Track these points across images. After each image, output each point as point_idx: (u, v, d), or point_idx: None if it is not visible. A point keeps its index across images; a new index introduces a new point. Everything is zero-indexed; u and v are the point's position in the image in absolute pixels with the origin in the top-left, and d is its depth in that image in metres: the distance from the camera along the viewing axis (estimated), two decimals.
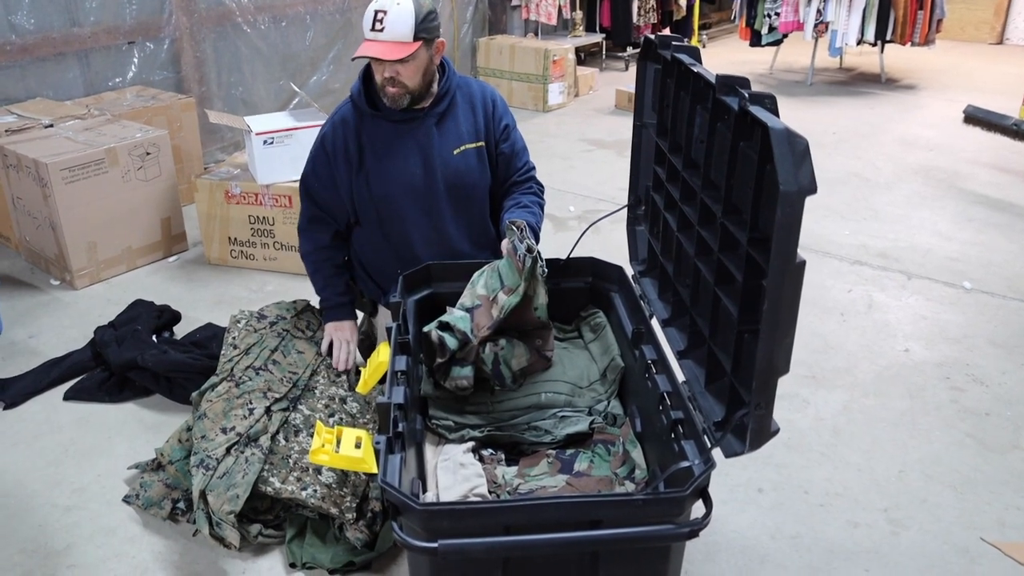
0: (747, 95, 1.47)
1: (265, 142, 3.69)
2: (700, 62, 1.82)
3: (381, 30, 2.25)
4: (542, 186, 2.66)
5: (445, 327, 2.09)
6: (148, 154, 3.91)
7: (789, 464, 2.65)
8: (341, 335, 2.65)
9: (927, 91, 7.50)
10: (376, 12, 2.26)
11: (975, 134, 5.51)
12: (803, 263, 1.36)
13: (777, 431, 1.55)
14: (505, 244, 2.20)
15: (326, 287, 2.67)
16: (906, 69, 8.25)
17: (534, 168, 2.66)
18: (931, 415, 2.92)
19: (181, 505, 2.37)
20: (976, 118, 5.31)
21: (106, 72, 4.79)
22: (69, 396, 2.98)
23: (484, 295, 2.11)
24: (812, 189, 1.29)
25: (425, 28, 2.29)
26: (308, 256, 2.68)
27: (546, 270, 2.07)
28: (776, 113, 1.43)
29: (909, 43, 7.27)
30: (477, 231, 2.60)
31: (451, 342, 2.07)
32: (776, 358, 1.43)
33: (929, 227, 4.53)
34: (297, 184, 3.74)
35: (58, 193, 3.60)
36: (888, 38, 7.21)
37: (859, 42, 7.21)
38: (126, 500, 2.45)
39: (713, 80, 1.64)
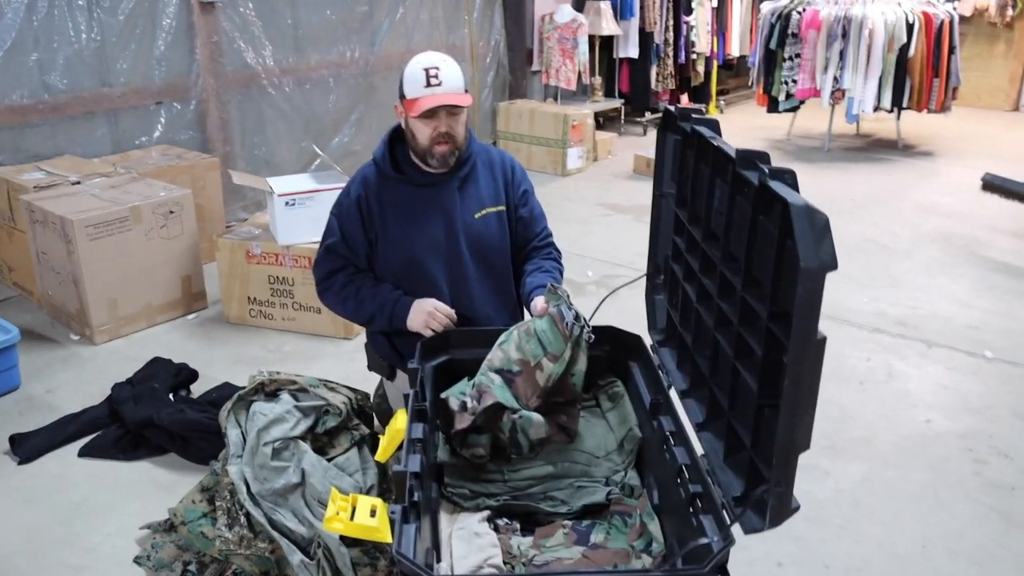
0: (767, 170, 1.48)
1: (287, 203, 3.74)
2: (720, 135, 1.83)
3: (439, 84, 2.32)
4: (560, 252, 2.67)
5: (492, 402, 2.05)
6: (171, 212, 3.96)
7: (808, 537, 2.60)
8: (424, 305, 2.44)
9: (944, 157, 7.53)
10: (428, 69, 2.33)
11: (993, 201, 5.51)
12: (824, 339, 1.35)
13: (798, 508, 1.52)
14: (539, 304, 2.20)
15: (377, 292, 2.50)
16: (923, 135, 8.29)
17: (552, 235, 2.68)
18: (954, 488, 2.87)
19: (192, 568, 2.35)
20: (994, 185, 5.30)
21: (133, 131, 4.89)
22: (84, 453, 2.98)
23: (523, 359, 2.09)
24: (833, 265, 1.29)
25: (465, 83, 2.39)
26: (337, 280, 2.55)
27: (593, 337, 2.06)
28: (796, 188, 1.43)
29: (925, 110, 7.35)
30: (501, 294, 2.61)
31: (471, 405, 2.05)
32: (797, 435, 1.41)
33: (948, 295, 4.51)
34: (317, 246, 3.80)
35: (82, 249, 3.65)
36: (904, 105, 7.28)
37: (876, 109, 7.25)
38: (136, 561, 2.43)
39: (733, 154, 1.65)
